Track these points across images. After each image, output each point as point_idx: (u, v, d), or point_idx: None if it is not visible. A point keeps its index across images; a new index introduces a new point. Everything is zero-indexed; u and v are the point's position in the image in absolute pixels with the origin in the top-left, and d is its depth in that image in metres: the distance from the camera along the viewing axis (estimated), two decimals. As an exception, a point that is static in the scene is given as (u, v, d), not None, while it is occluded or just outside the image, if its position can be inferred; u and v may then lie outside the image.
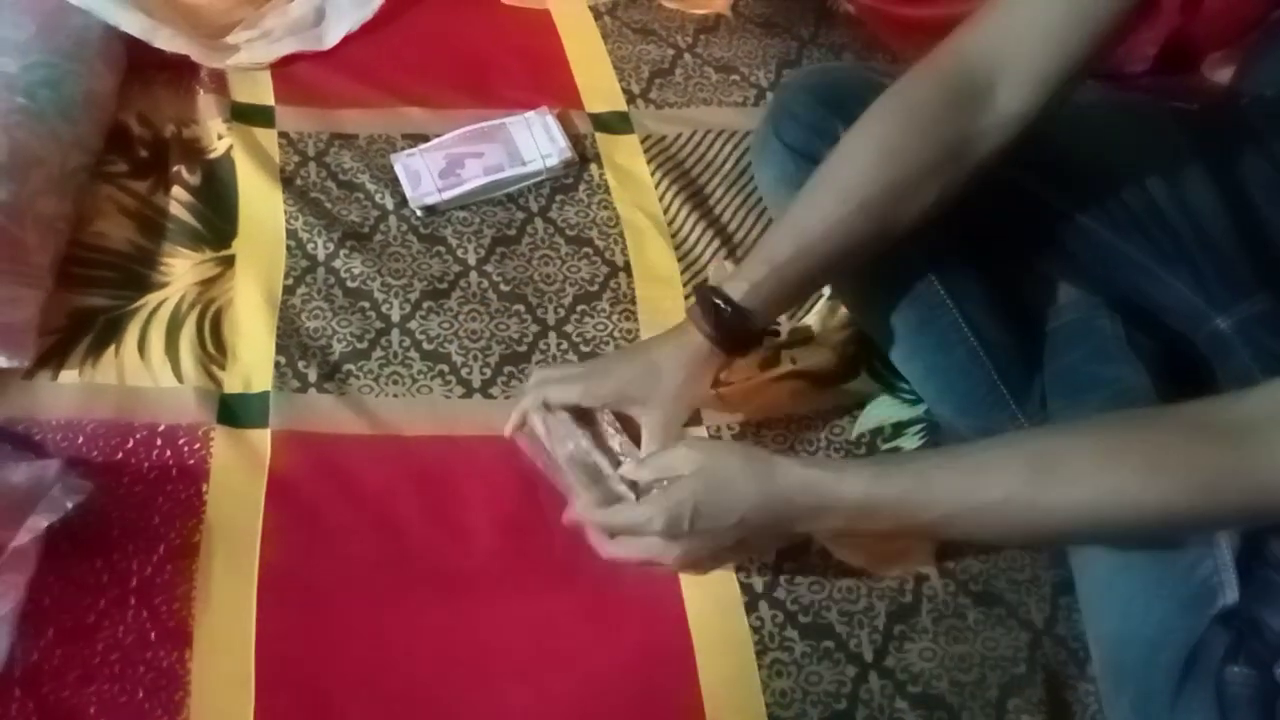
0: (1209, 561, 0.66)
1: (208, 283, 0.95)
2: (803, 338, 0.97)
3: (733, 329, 0.77)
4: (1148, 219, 0.84)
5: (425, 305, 0.97)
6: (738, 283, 0.76)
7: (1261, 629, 0.62)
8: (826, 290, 0.97)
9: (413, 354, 0.93)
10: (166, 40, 1.07)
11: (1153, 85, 1.12)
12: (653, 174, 1.08)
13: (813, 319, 0.98)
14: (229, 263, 0.97)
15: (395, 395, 0.91)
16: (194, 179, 1.02)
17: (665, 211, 1.06)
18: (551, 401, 0.78)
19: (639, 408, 0.78)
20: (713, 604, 0.81)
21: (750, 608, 0.81)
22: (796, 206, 0.76)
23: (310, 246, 0.99)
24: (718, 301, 0.76)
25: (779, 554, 0.84)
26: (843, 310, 0.97)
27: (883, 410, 0.93)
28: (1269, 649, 0.61)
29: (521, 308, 0.98)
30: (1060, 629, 0.81)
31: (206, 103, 1.08)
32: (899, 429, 0.92)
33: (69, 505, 0.75)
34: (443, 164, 1.05)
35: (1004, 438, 0.69)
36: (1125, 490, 0.57)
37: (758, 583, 0.82)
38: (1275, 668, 0.60)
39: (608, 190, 1.07)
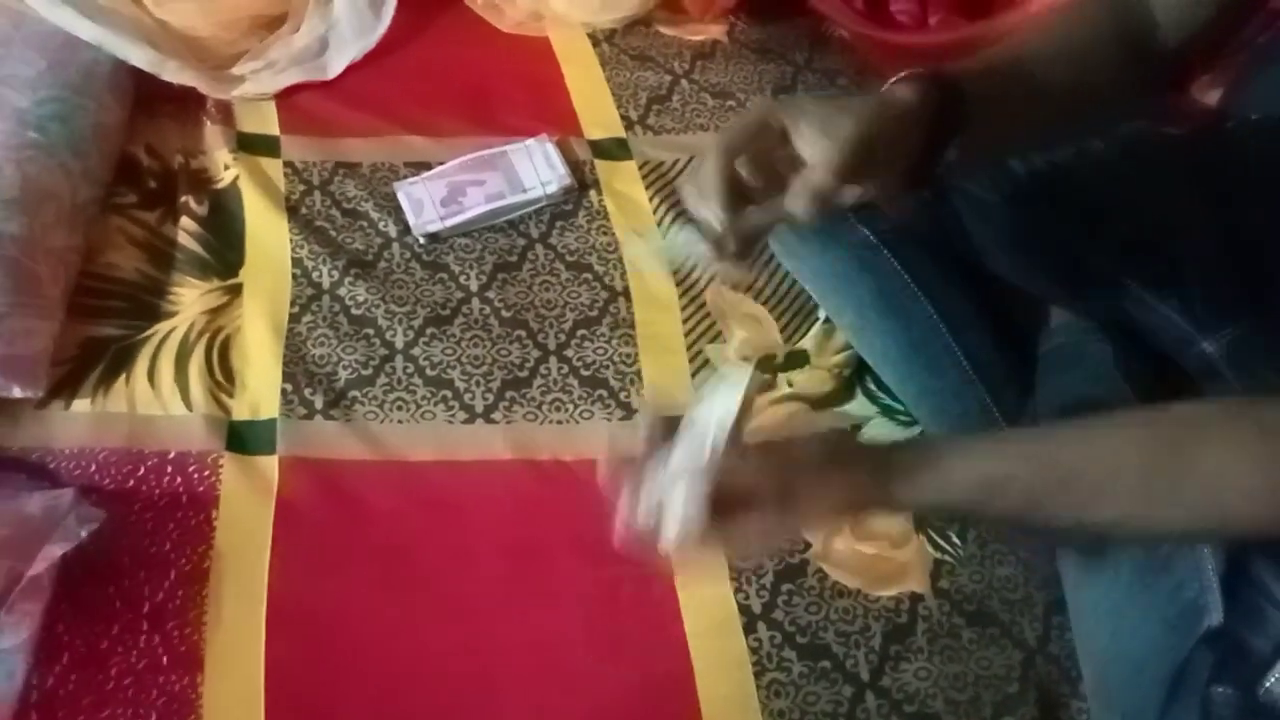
0: (1195, 583, 0.68)
1: (215, 311, 0.97)
2: (799, 362, 0.99)
3: (940, 88, 0.61)
4: (1135, 242, 0.86)
5: (428, 332, 0.99)
6: (947, 69, 0.64)
7: (1245, 650, 0.63)
8: (822, 314, 0.99)
9: (416, 380, 0.95)
10: (174, 72, 1.09)
11: (1148, 109, 1.14)
12: (651, 199, 1.11)
13: (809, 343, 0.99)
14: (236, 291, 0.99)
15: (399, 421, 0.93)
16: (201, 209, 1.04)
17: (663, 237, 1.08)
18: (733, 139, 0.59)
19: (814, 133, 0.57)
20: (711, 625, 0.83)
21: (748, 628, 0.83)
22: (1010, 40, 0.71)
23: (315, 274, 1.01)
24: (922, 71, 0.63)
25: (776, 575, 0.85)
26: (838, 334, 0.99)
27: (878, 432, 0.95)
28: (1252, 669, 0.62)
29: (523, 333, 1.00)
30: (1053, 648, 0.83)
31: (213, 133, 1.11)
32: (894, 451, 0.93)
33: (83, 534, 0.77)
34: (444, 192, 1.07)
35: (1114, 445, 0.58)
36: (1237, 519, 0.55)
37: (755, 604, 0.84)
38: (1258, 688, 0.62)
39: (607, 216, 1.09)
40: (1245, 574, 0.67)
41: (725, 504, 0.55)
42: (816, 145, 0.56)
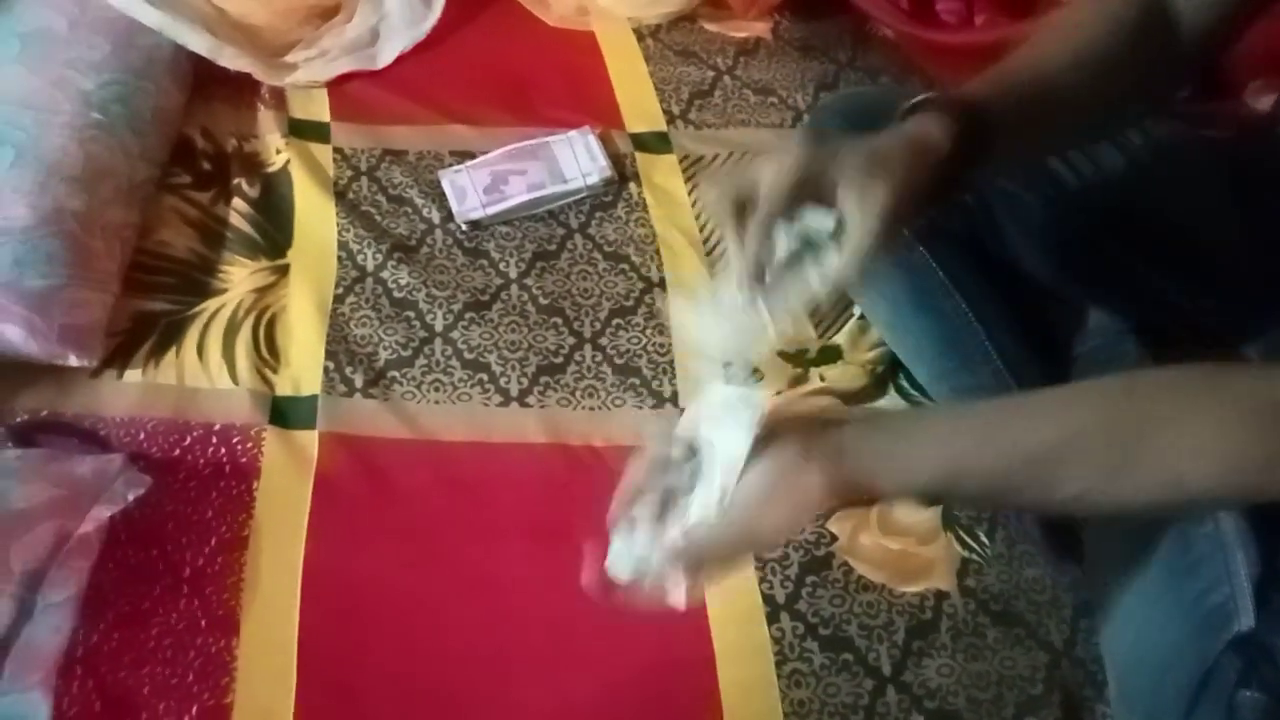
0: (1225, 587, 0.67)
1: (263, 290, 1.00)
2: (832, 356, 0.99)
3: (964, 119, 0.61)
4: (1176, 247, 0.85)
5: (467, 316, 1.01)
6: (967, 87, 0.65)
7: (1275, 655, 0.63)
8: (857, 310, 1.00)
9: (454, 363, 0.97)
10: (230, 59, 1.12)
11: (1191, 111, 1.13)
12: (690, 193, 1.12)
13: (842, 338, 1.00)
14: (283, 271, 1.02)
15: (436, 402, 0.95)
16: (253, 191, 1.07)
17: (701, 230, 1.08)
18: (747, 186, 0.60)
19: (851, 200, 0.58)
20: (735, 613, 0.83)
21: (771, 618, 0.83)
22: (1027, 48, 0.69)
23: (360, 257, 1.04)
24: (945, 96, 0.63)
25: (801, 567, 0.86)
26: (872, 330, 0.99)
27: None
28: (1280, 676, 0.62)
29: (559, 320, 1.01)
30: (1079, 651, 0.82)
31: (266, 118, 1.14)
32: (924, 448, 0.93)
33: (130, 498, 0.80)
34: (488, 180, 1.09)
35: (1076, 419, 0.57)
36: (1197, 484, 0.54)
37: (780, 594, 0.84)
38: (1287, 693, 0.61)
39: (645, 209, 1.10)
40: (1277, 578, 0.67)
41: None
42: (855, 215, 0.57)
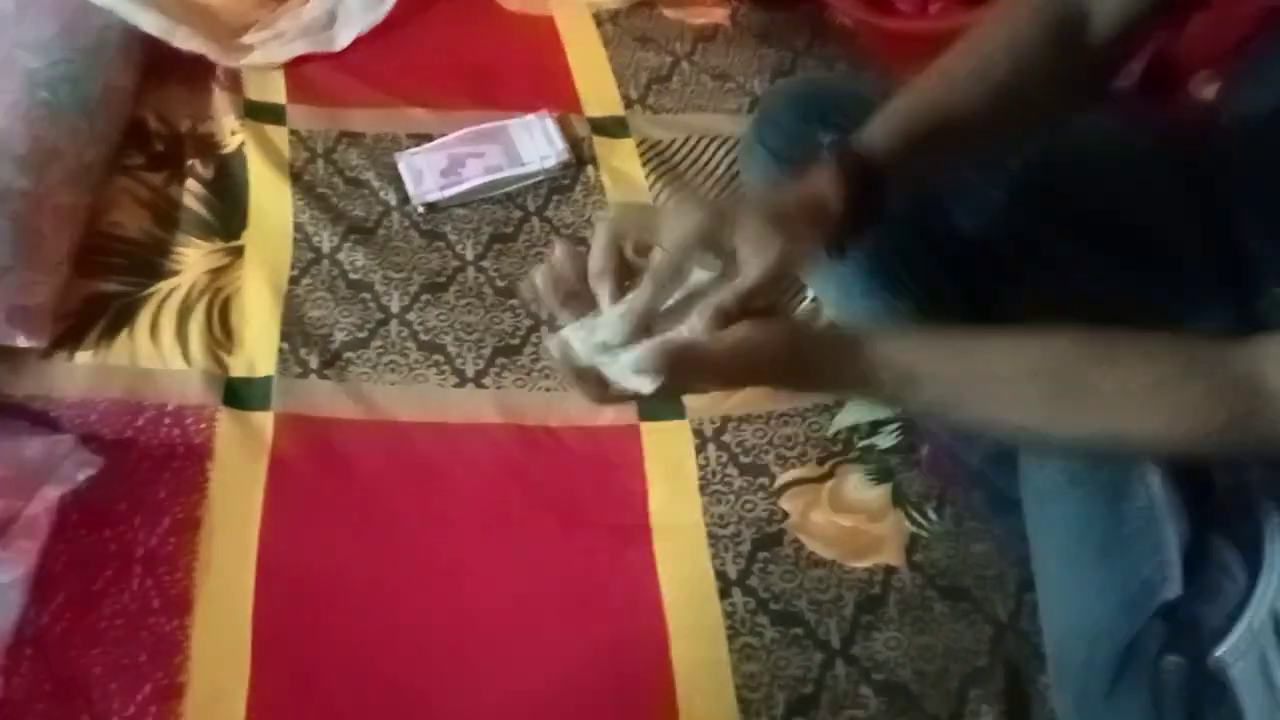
0: (1155, 559, 0.69)
1: (217, 272, 1.00)
2: (786, 338, 1.00)
3: (854, 162, 0.64)
4: (1123, 234, 0.87)
5: (424, 298, 1.01)
6: (867, 131, 0.66)
7: (1198, 622, 0.65)
8: (810, 292, 1.01)
9: (410, 344, 0.97)
10: (184, 39, 1.11)
11: (1135, 101, 1.15)
12: (647, 176, 1.12)
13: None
14: (238, 253, 1.01)
15: (392, 383, 0.95)
16: (207, 173, 1.07)
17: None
18: (625, 232, 0.63)
19: (745, 246, 0.61)
20: (687, 590, 0.85)
21: (724, 594, 0.85)
22: (920, 81, 0.70)
23: (316, 239, 1.03)
24: (846, 148, 0.65)
25: (754, 543, 0.87)
26: (825, 311, 1.00)
27: (860, 409, 0.96)
28: (1204, 640, 0.64)
29: (516, 302, 1.02)
30: (1024, 624, 0.84)
31: (221, 100, 1.13)
32: (875, 427, 0.95)
33: (80, 478, 0.80)
34: (445, 163, 1.09)
35: (1026, 355, 0.59)
36: (1142, 431, 0.57)
37: (732, 570, 0.86)
38: (1208, 657, 0.63)
39: (603, 192, 1.11)
40: (1206, 552, 0.69)
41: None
42: (749, 268, 0.60)
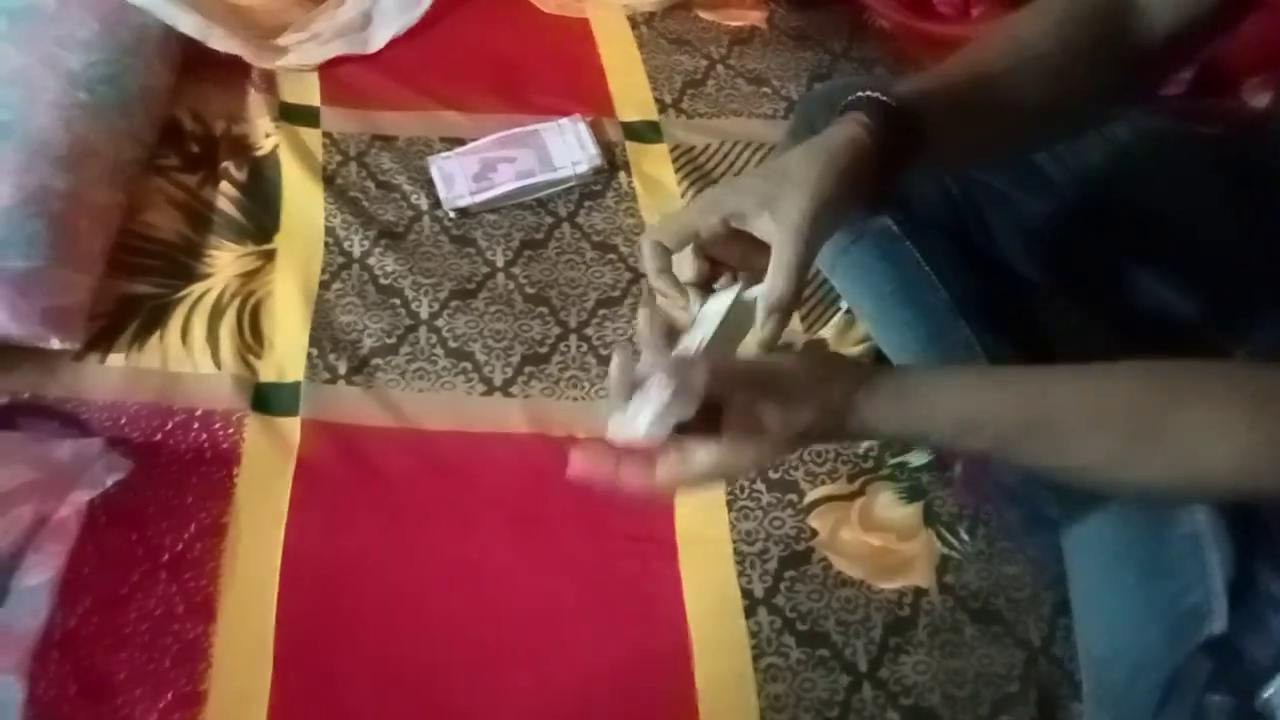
0: (1200, 588, 0.67)
1: (249, 275, 1.00)
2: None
3: (892, 117, 0.59)
4: (1165, 244, 0.84)
5: (453, 304, 1.00)
6: (900, 86, 0.62)
7: (1245, 659, 0.63)
8: (843, 304, 0.99)
9: (438, 351, 0.97)
10: (220, 41, 1.12)
11: (1184, 108, 1.12)
12: (680, 183, 1.11)
13: (829, 332, 0.99)
14: (270, 256, 1.02)
15: (420, 390, 0.94)
16: (241, 175, 1.07)
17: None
18: (663, 235, 0.59)
19: (764, 220, 0.57)
20: (713, 606, 0.83)
21: (749, 612, 0.83)
22: (968, 49, 0.67)
23: (347, 244, 1.03)
24: (875, 94, 0.60)
25: (781, 561, 0.86)
26: (859, 324, 0.99)
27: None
28: (1250, 679, 0.61)
29: (545, 310, 1.01)
30: (1057, 649, 0.82)
31: (256, 102, 1.13)
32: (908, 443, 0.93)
33: (109, 482, 0.80)
34: (476, 168, 1.08)
35: (1093, 395, 0.56)
36: (1219, 472, 0.54)
37: (758, 588, 0.84)
38: (1255, 698, 0.61)
39: (635, 198, 1.09)
40: (1252, 582, 0.67)
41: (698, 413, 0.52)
42: (773, 233, 0.55)
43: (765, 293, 0.56)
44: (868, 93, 0.60)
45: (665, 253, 0.59)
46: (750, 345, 0.58)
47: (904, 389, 0.56)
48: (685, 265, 0.60)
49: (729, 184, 0.60)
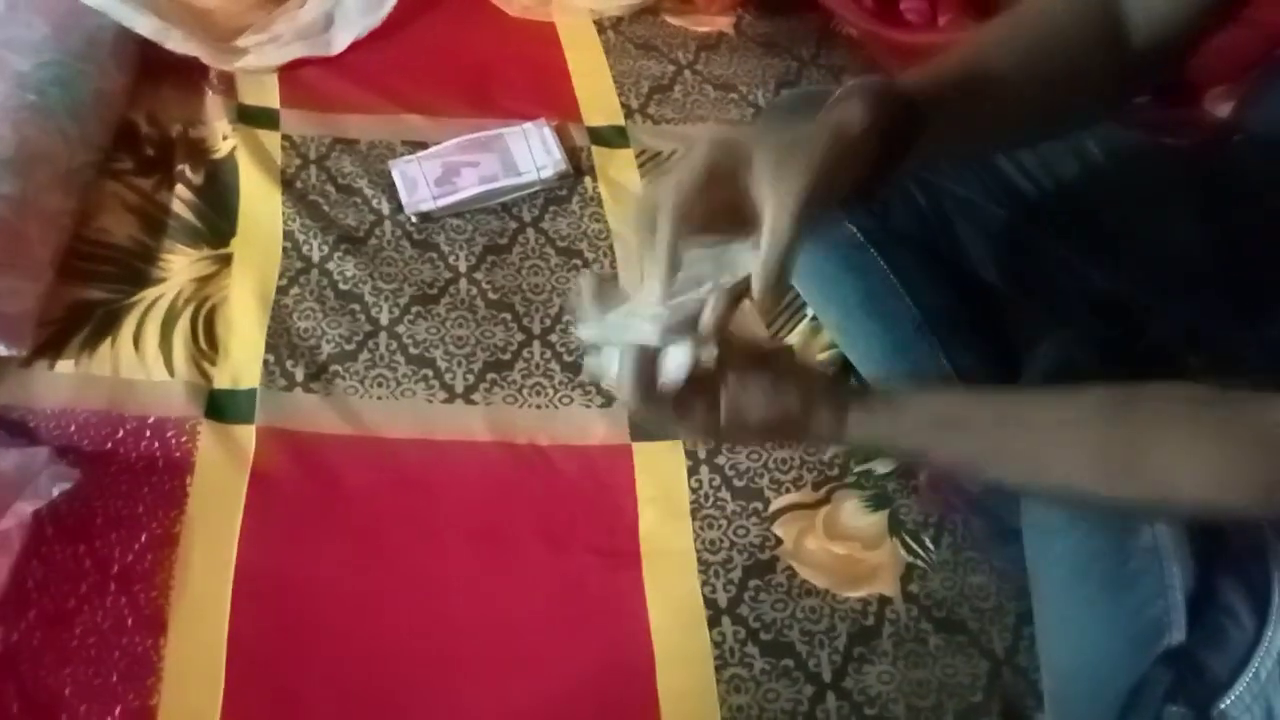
0: (1160, 600, 0.67)
1: (204, 280, 0.98)
2: (783, 357, 0.98)
3: (888, 90, 0.59)
4: (1132, 255, 0.85)
5: (414, 310, 0.99)
6: (901, 79, 0.62)
7: (1203, 670, 0.62)
8: (809, 312, 0.99)
9: (399, 357, 0.95)
10: (178, 42, 1.09)
11: (1150, 118, 1.13)
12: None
13: (794, 339, 0.99)
14: (226, 261, 1.00)
15: (379, 397, 0.93)
16: (197, 178, 1.05)
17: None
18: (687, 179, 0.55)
19: (764, 186, 0.55)
20: (676, 617, 0.83)
21: (713, 622, 0.82)
22: (963, 50, 0.66)
23: (306, 248, 1.02)
24: (879, 82, 0.60)
25: (745, 571, 0.85)
26: (824, 332, 0.98)
27: (858, 433, 0.94)
28: (1209, 690, 0.61)
29: (508, 316, 1.00)
30: (1021, 659, 0.82)
31: (214, 104, 1.11)
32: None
33: (54, 493, 0.78)
34: (439, 172, 1.07)
35: (1065, 413, 0.57)
36: (1193, 492, 0.55)
37: (722, 598, 0.84)
38: (1212, 709, 0.61)
39: (600, 203, 1.08)
40: (1211, 594, 0.67)
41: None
42: (771, 208, 0.54)
43: (755, 263, 0.54)
44: (867, 80, 0.59)
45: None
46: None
47: (883, 396, 0.58)
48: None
49: (732, 147, 0.55)
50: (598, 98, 1.19)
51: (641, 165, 1.12)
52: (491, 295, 1.01)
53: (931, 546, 0.87)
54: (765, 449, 0.92)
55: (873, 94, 0.58)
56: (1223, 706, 0.61)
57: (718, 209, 0.55)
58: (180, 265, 0.98)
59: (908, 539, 0.88)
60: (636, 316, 0.54)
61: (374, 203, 1.06)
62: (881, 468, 0.92)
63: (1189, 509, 0.58)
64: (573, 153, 1.12)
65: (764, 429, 0.57)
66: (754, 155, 0.54)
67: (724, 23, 1.29)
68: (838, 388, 0.58)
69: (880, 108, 0.57)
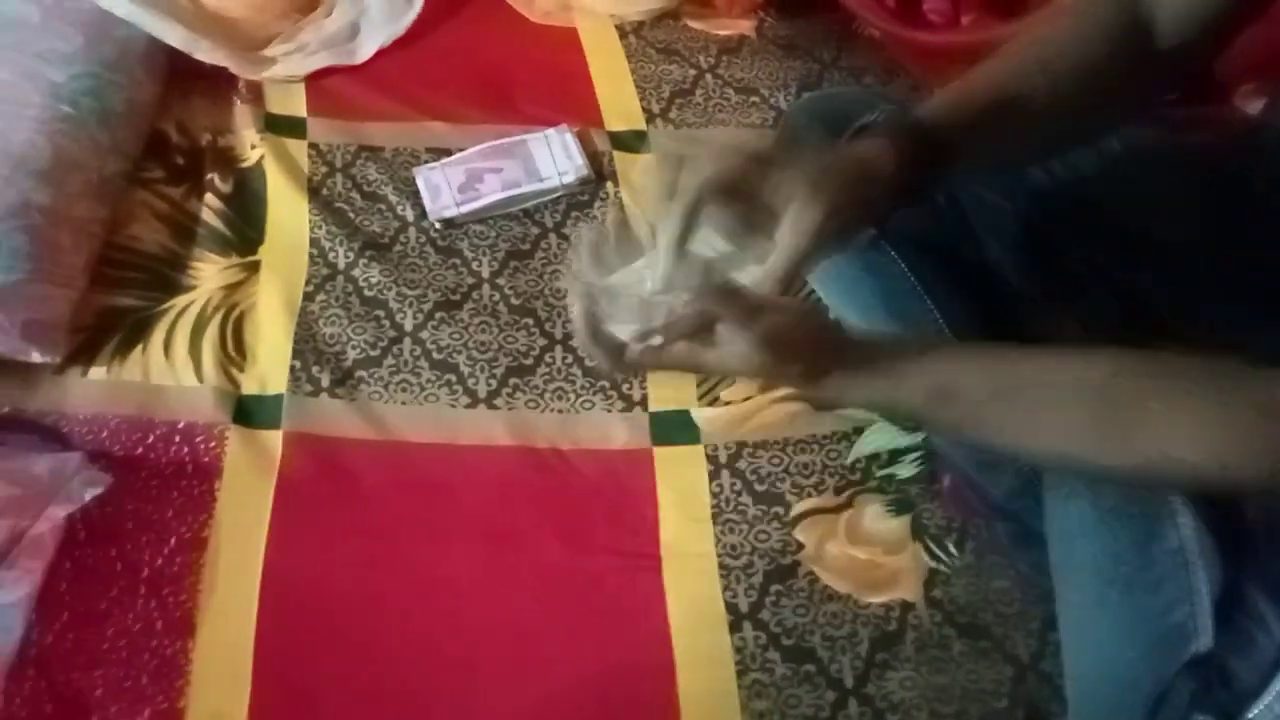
0: (1185, 605, 0.66)
1: (232, 287, 0.99)
2: (805, 361, 0.98)
3: (912, 127, 0.61)
4: (1151, 257, 0.84)
5: (438, 316, 1.00)
6: (930, 104, 0.64)
7: (1230, 678, 0.62)
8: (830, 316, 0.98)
9: (422, 363, 0.96)
10: (206, 52, 1.11)
11: (1175, 116, 1.11)
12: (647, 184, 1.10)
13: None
14: (254, 268, 1.01)
15: (403, 403, 0.94)
16: (226, 187, 1.07)
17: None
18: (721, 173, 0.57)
19: (784, 208, 0.57)
20: (697, 621, 0.83)
21: (734, 627, 0.82)
22: (979, 66, 0.67)
23: (332, 255, 1.03)
24: (900, 113, 0.62)
25: (766, 575, 0.85)
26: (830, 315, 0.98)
27: (880, 437, 0.93)
28: (1235, 699, 0.60)
29: (530, 321, 1.00)
30: (1046, 665, 0.81)
31: (242, 113, 1.13)
32: (895, 455, 0.92)
33: (87, 496, 0.79)
34: (462, 178, 1.08)
35: (1068, 373, 0.57)
36: (1192, 455, 0.53)
37: (743, 603, 0.84)
38: (1240, 717, 0.60)
39: (622, 208, 1.09)
40: (1239, 600, 0.66)
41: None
42: (785, 227, 0.56)
43: (757, 275, 0.57)
44: (893, 111, 0.62)
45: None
46: None
47: (878, 355, 0.57)
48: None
49: (770, 160, 0.58)
50: (619, 102, 1.19)
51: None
52: (514, 301, 1.02)
53: (954, 551, 0.87)
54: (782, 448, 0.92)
55: (899, 133, 0.59)
56: (1250, 716, 0.60)
57: (730, 212, 0.56)
58: (209, 273, 1.00)
59: (930, 544, 0.87)
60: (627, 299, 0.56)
61: (398, 209, 1.07)
62: (904, 472, 0.91)
63: (1188, 477, 0.56)
64: (594, 158, 1.12)
65: (755, 374, 0.58)
66: (783, 178, 0.56)
67: (745, 26, 1.29)
68: (836, 352, 0.57)
69: (906, 148, 0.59)
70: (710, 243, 0.58)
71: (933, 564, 0.86)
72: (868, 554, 0.87)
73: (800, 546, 0.87)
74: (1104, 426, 0.55)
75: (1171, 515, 0.68)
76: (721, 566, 0.85)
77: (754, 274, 0.57)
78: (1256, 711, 0.60)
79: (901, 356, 0.58)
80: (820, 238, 0.56)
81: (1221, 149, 0.89)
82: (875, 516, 0.89)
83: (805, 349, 0.57)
